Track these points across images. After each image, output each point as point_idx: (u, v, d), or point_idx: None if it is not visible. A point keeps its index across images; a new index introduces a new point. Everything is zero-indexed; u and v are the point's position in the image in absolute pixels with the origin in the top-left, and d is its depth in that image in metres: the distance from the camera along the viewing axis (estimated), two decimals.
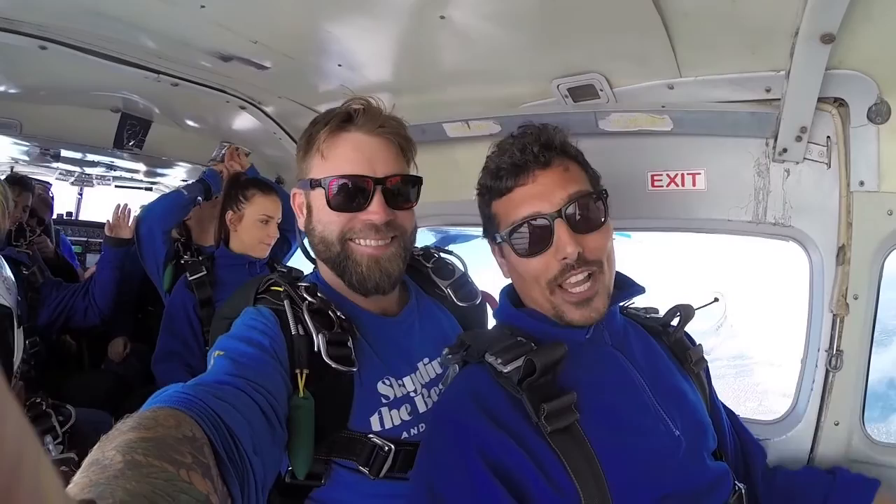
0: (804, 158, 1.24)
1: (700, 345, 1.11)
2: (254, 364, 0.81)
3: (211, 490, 0.55)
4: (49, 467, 0.23)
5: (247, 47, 1.46)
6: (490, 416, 0.82)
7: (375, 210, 0.95)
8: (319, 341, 0.88)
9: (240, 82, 1.79)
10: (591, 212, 0.94)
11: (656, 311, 1.13)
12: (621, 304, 1.06)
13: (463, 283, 1.20)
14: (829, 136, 1.20)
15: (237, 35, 1.37)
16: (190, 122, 2.37)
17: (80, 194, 4.71)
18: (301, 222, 1.05)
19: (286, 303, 0.93)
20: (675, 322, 1.08)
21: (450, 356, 0.96)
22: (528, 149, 0.93)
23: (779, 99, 1.19)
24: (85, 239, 4.32)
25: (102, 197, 4.63)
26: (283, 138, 2.20)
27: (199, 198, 2.24)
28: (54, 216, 3.74)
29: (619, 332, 1.00)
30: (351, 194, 0.95)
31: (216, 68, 1.63)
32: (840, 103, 1.18)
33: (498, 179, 0.96)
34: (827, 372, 1.24)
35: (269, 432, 0.74)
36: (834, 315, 1.22)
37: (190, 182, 2.34)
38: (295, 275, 1.04)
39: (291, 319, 0.91)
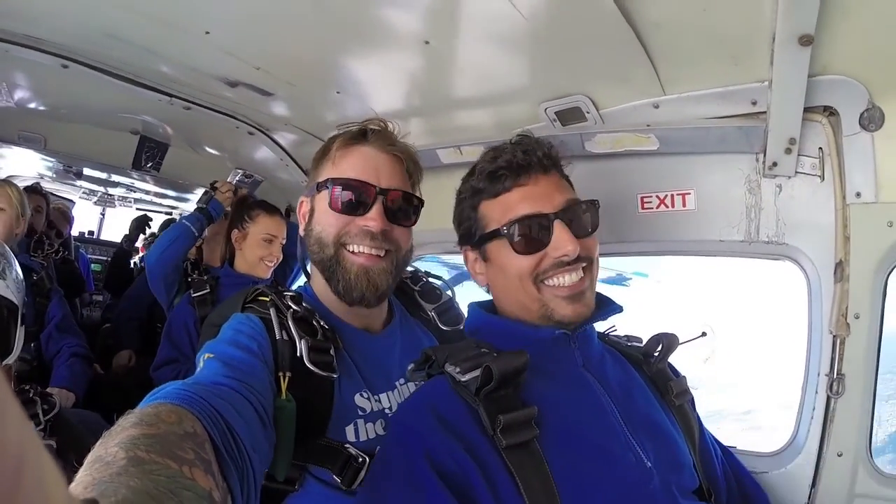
0: (796, 172, 1.19)
1: (684, 376, 1.06)
2: (243, 366, 0.82)
3: (213, 486, 0.55)
4: (53, 469, 0.22)
5: (251, 73, 1.53)
6: (443, 423, 0.80)
7: (373, 217, 0.98)
8: (302, 346, 0.90)
9: (248, 109, 1.88)
10: (585, 219, 0.98)
11: (639, 339, 1.10)
12: (602, 329, 1.05)
13: (448, 308, 1.22)
14: (820, 148, 1.15)
15: (241, 61, 1.45)
16: (204, 147, 2.48)
17: (103, 214, 4.92)
18: (302, 228, 1.08)
19: (272, 311, 0.95)
20: (657, 352, 1.05)
21: (415, 371, 0.95)
22: (533, 152, 0.96)
23: (765, 111, 1.15)
24: (105, 258, 4.45)
25: (124, 217, 4.84)
26: (291, 165, 2.27)
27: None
28: (76, 234, 3.91)
29: (594, 357, 0.98)
30: (353, 198, 0.99)
31: (224, 94, 1.71)
32: (830, 112, 1.13)
33: (495, 180, 0.98)
34: (828, 398, 1.14)
35: (262, 431, 0.75)
36: (834, 336, 1.13)
37: (192, 213, 2.31)
38: (284, 288, 1.06)
39: (276, 326, 0.92)
